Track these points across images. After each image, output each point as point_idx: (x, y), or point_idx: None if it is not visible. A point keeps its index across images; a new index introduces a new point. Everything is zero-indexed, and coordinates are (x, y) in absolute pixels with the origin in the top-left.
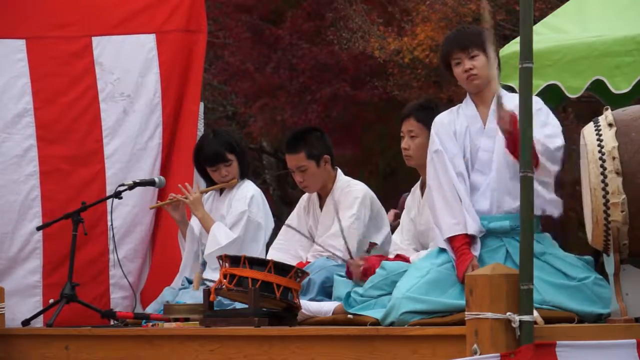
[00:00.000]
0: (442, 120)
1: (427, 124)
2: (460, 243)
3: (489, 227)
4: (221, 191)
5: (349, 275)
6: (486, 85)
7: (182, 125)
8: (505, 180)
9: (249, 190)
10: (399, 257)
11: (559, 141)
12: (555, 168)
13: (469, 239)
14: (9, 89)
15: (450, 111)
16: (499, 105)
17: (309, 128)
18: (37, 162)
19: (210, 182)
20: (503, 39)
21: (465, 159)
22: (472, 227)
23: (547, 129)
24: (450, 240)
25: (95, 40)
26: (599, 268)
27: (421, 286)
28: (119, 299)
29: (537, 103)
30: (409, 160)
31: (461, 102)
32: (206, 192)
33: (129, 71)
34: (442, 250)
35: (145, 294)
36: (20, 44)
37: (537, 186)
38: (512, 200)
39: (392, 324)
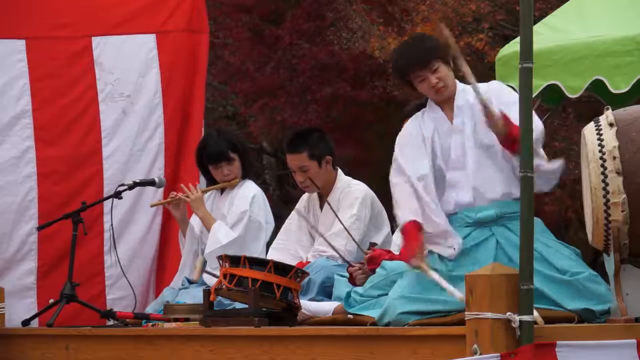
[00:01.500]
0: (407, 131)
1: None
2: (410, 226)
3: (476, 217)
4: (222, 190)
5: (352, 282)
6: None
7: (189, 126)
8: (484, 171)
9: (250, 190)
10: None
11: (540, 125)
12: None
13: (420, 225)
14: (7, 91)
15: (415, 117)
16: (487, 109)
17: (311, 128)
18: (34, 164)
19: (211, 181)
20: (503, 39)
21: (439, 161)
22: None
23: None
24: (404, 226)
25: (95, 40)
26: (599, 267)
27: (416, 286)
28: (115, 300)
29: (512, 95)
30: None
31: None
32: (208, 191)
33: (128, 71)
34: None
35: (147, 295)
36: (20, 44)
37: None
38: (495, 188)
39: (388, 324)
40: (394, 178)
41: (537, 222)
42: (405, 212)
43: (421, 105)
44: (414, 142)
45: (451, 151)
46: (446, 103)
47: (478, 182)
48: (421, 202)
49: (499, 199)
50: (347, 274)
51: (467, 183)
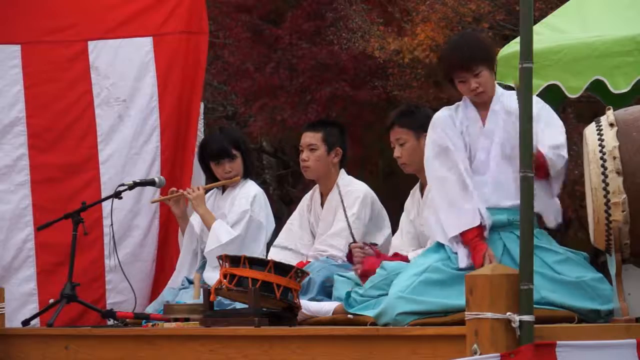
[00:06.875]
0: (446, 117)
1: (412, 127)
2: (473, 235)
3: None
4: (223, 190)
5: (349, 258)
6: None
7: (188, 127)
8: (502, 179)
9: (251, 189)
10: (396, 256)
11: (564, 152)
12: (560, 178)
13: (480, 230)
14: (1, 98)
15: (449, 109)
16: None
17: (336, 121)
18: (28, 172)
19: (212, 178)
20: (503, 39)
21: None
22: (485, 217)
23: (552, 137)
24: (462, 235)
25: (92, 44)
26: (600, 267)
27: (417, 286)
28: (115, 304)
29: (537, 103)
30: (405, 167)
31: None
32: (209, 188)
33: (124, 75)
34: (440, 245)
35: (147, 297)
36: (16, 49)
37: (538, 191)
38: (510, 199)
39: (386, 324)
40: (447, 170)
41: (543, 233)
42: (455, 216)
43: (402, 111)
44: (455, 131)
45: (477, 153)
46: (483, 105)
47: (496, 189)
48: (473, 196)
49: (511, 207)
50: (346, 275)
51: (485, 188)
